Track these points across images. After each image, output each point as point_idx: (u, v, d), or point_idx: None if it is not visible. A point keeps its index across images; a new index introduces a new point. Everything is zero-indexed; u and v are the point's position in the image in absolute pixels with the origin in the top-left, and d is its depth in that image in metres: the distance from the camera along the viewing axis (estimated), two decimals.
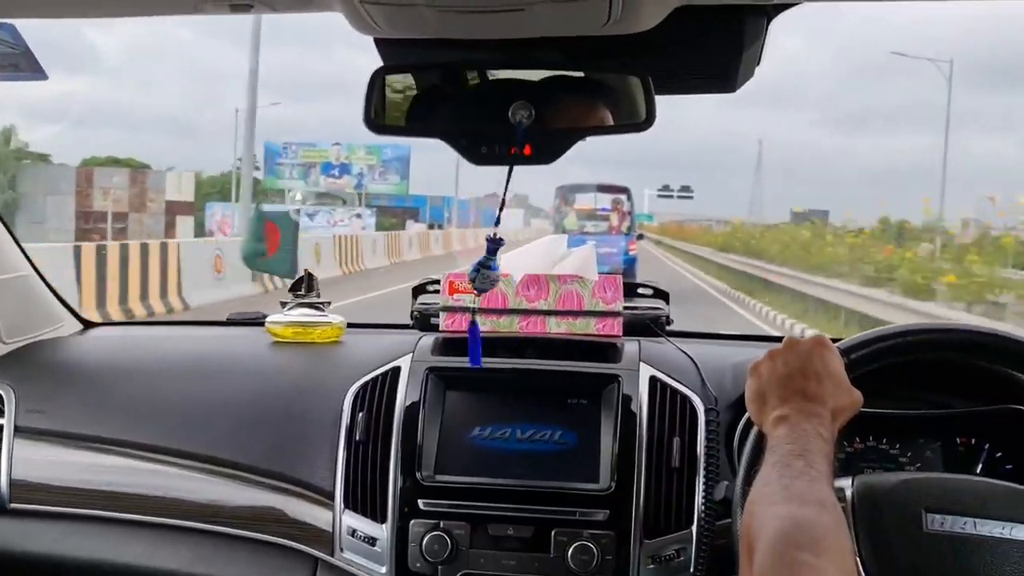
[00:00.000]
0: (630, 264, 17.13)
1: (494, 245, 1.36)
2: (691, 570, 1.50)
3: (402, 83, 1.37)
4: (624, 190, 18.99)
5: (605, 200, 19.40)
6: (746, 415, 1.46)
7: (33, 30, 1.52)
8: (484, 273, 1.38)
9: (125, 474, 1.75)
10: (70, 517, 1.77)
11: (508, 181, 1.32)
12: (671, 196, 66.28)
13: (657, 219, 72.85)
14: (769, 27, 1.33)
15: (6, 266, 1.98)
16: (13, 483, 1.78)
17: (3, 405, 1.83)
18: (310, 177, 41.37)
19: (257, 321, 2.09)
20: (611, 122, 1.34)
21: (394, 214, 44.23)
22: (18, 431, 1.81)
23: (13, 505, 1.78)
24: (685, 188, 67.67)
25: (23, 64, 1.56)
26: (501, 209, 1.39)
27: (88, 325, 2.20)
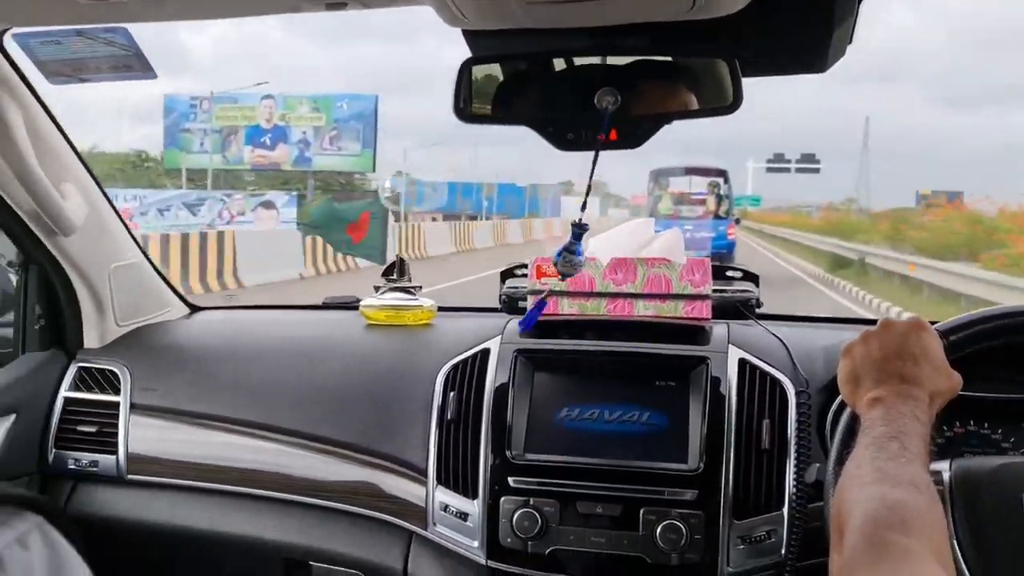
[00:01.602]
0: (729, 249, 16.55)
1: (579, 230, 1.39)
2: (782, 552, 1.50)
3: (489, 72, 1.40)
4: (721, 172, 18.33)
5: (701, 183, 18.74)
6: (838, 398, 1.45)
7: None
8: (568, 258, 1.41)
9: (231, 449, 1.84)
10: (182, 488, 1.88)
11: (593, 167, 1.34)
12: (786, 169, 52.66)
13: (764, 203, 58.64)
14: (861, 5, 1.31)
15: (120, 254, 2.09)
16: (130, 456, 1.90)
17: (120, 383, 1.95)
18: (229, 148, 28.59)
19: (352, 305, 2.16)
20: (697, 106, 1.34)
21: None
22: (133, 407, 1.92)
23: (130, 476, 1.90)
24: (808, 157, 52.62)
25: (136, 65, 1.66)
26: (587, 195, 1.42)
27: (195, 309, 2.31)
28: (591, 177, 1.37)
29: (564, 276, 1.47)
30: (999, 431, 1.59)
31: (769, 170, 55.92)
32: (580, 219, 1.38)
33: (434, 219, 31.55)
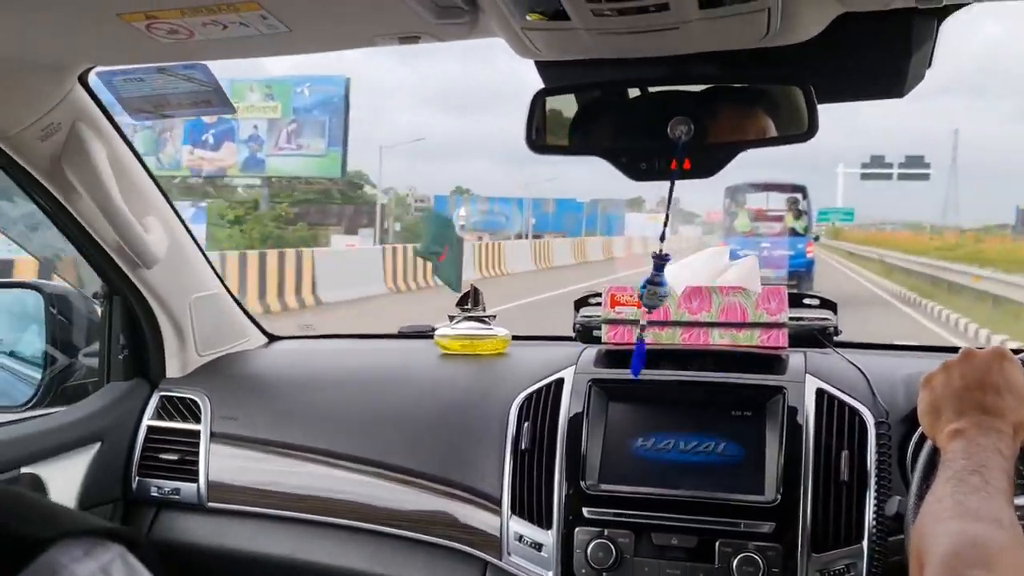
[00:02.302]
0: (808, 268, 16.12)
1: (660, 261, 1.38)
2: None
3: (562, 103, 1.40)
4: (800, 188, 17.77)
5: (778, 200, 18.30)
6: (919, 429, 1.41)
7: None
8: (652, 290, 1.41)
9: (309, 478, 1.86)
10: (261, 516, 1.90)
11: (670, 198, 1.33)
12: (886, 175, 45.93)
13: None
14: (940, 28, 1.28)
15: (201, 284, 2.15)
16: (210, 484, 1.94)
17: (200, 412, 1.99)
18: (164, 148, 22.79)
19: (426, 334, 2.18)
20: (771, 133, 1.33)
21: (323, 213, 27.65)
22: (213, 436, 1.96)
23: (210, 504, 1.93)
24: (915, 160, 45.83)
25: (215, 99, 1.70)
26: (665, 225, 1.41)
27: (272, 339, 2.36)
28: (668, 207, 1.36)
29: (650, 309, 1.46)
30: None
31: (865, 176, 48.96)
32: (661, 250, 1.38)
33: (479, 238, 28.09)
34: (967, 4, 1.19)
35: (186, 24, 1.21)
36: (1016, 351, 1.26)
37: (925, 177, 47.37)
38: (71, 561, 0.62)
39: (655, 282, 1.40)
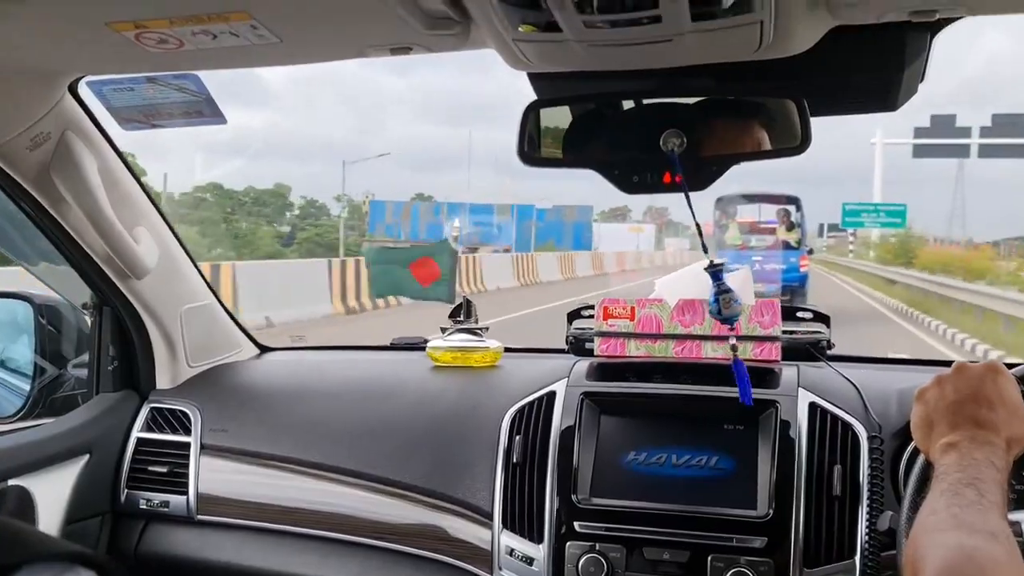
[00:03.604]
0: (801, 282, 15.67)
1: (717, 269, 1.43)
2: None
3: (553, 115, 1.40)
4: (793, 200, 17.29)
5: (770, 212, 17.83)
6: (912, 443, 1.41)
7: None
8: (727, 299, 1.44)
9: (298, 491, 1.85)
10: (250, 529, 1.89)
11: (691, 208, 1.34)
12: (960, 148, 30.31)
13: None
14: (934, 41, 1.28)
15: (192, 296, 2.14)
16: (200, 496, 1.92)
17: (191, 424, 1.98)
18: None
19: (418, 346, 2.17)
20: (765, 146, 1.33)
21: None
22: (203, 448, 1.95)
23: (199, 517, 1.92)
24: (1006, 123, 29.02)
25: (206, 110, 1.70)
26: (701, 236, 1.46)
27: (264, 350, 2.35)
28: (694, 216, 1.38)
29: (731, 321, 1.49)
30: None
31: (923, 151, 32.09)
32: (712, 260, 1.42)
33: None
34: (961, 17, 1.19)
35: (175, 34, 1.21)
36: (1009, 365, 1.26)
37: (1019, 152, 30.29)
38: None
39: (725, 290, 1.40)
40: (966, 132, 31.23)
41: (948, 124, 31.84)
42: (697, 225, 1.47)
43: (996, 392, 1.15)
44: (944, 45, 1.29)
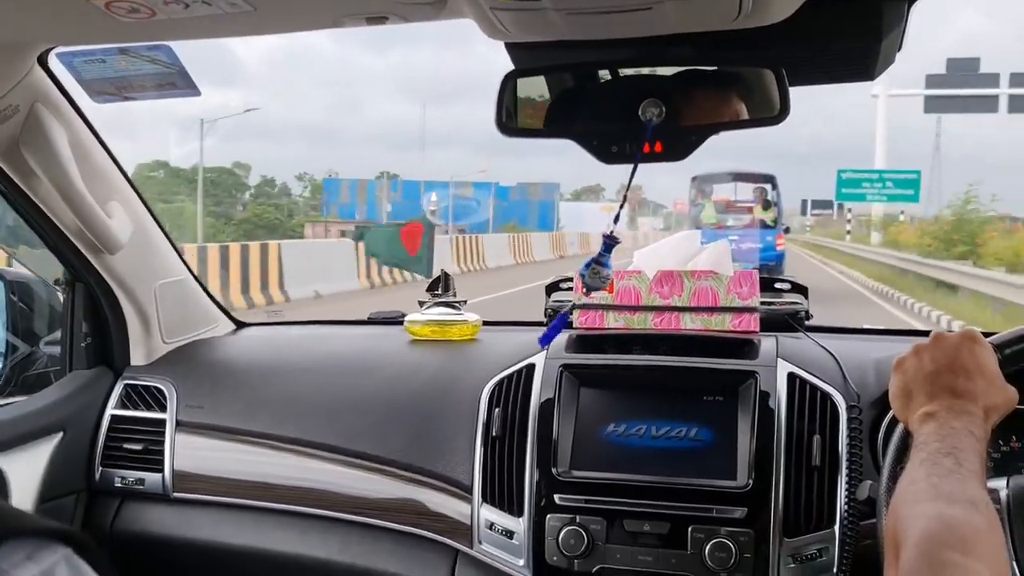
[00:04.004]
0: (777, 261, 15.66)
1: (610, 242, 1.37)
2: (834, 570, 1.47)
3: (532, 85, 1.39)
4: (769, 178, 17.28)
5: (747, 190, 17.88)
6: (890, 413, 1.42)
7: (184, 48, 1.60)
8: (595, 269, 1.38)
9: (276, 467, 1.84)
10: (227, 506, 1.88)
11: (631, 180, 1.32)
12: (988, 99, 25.91)
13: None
14: (911, 11, 1.28)
15: (166, 271, 2.11)
16: (176, 473, 1.91)
17: (166, 400, 1.96)
18: None
19: (396, 320, 2.16)
20: (743, 116, 1.32)
21: None
22: (179, 425, 1.94)
23: (176, 494, 1.90)
24: None
25: (179, 82, 1.67)
26: (621, 207, 1.41)
27: (240, 325, 2.33)
28: (627, 189, 1.35)
29: (590, 289, 1.44)
30: None
31: (936, 102, 27.64)
32: (612, 231, 1.36)
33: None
34: None
35: (147, 2, 1.18)
36: (986, 334, 1.27)
37: None
38: (11, 566, 0.60)
39: (600, 262, 1.38)
40: (993, 80, 26.37)
41: (969, 69, 26.79)
42: (624, 197, 1.44)
43: (973, 361, 1.16)
44: (920, 22, 1.26)
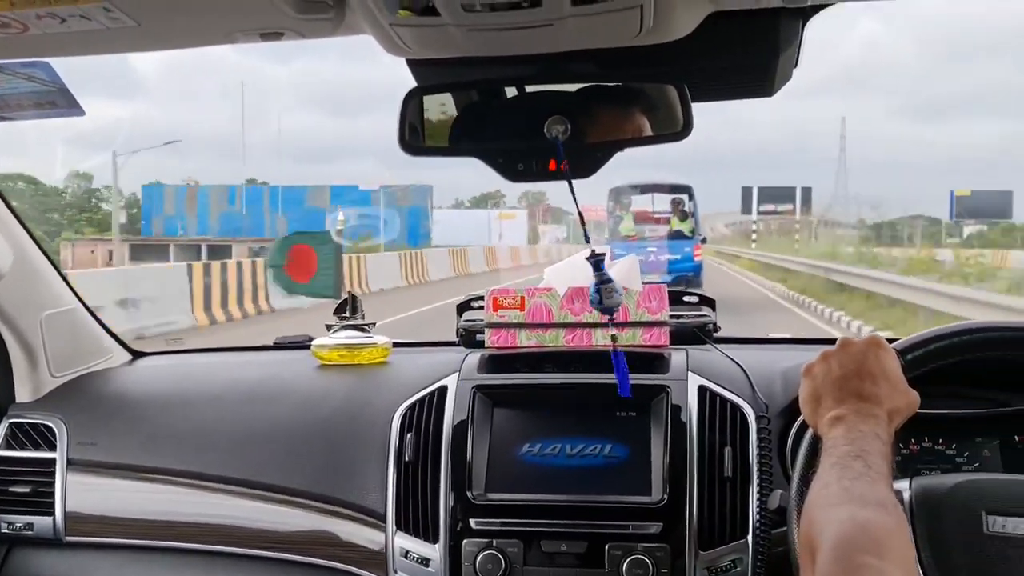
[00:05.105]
0: (696, 272, 15.74)
1: (599, 259, 1.40)
2: None
3: (435, 103, 1.36)
4: (685, 189, 17.34)
5: (663, 201, 17.93)
6: (798, 421, 1.45)
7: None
8: (608, 289, 1.41)
9: (179, 503, 1.76)
10: (126, 548, 1.79)
11: (574, 197, 1.33)
12: None
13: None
14: (805, 28, 1.30)
15: (54, 300, 2.00)
16: (68, 516, 1.80)
17: (55, 439, 1.85)
18: None
19: (303, 345, 2.10)
20: (648, 132, 1.33)
21: None
22: (71, 464, 1.83)
23: (69, 538, 1.80)
24: None
25: (60, 101, 1.58)
26: (583, 225, 1.45)
27: (137, 355, 2.22)
28: (578, 207, 1.39)
29: (611, 311, 1.46)
30: (953, 447, 1.61)
31: None
32: (593, 250, 1.41)
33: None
34: (831, 4, 1.21)
35: (18, 17, 1.11)
36: (890, 340, 1.30)
37: None
38: None
39: (605, 280, 1.38)
40: None
41: None
42: (580, 215, 1.46)
43: (879, 366, 1.19)
44: (819, 31, 1.31)
